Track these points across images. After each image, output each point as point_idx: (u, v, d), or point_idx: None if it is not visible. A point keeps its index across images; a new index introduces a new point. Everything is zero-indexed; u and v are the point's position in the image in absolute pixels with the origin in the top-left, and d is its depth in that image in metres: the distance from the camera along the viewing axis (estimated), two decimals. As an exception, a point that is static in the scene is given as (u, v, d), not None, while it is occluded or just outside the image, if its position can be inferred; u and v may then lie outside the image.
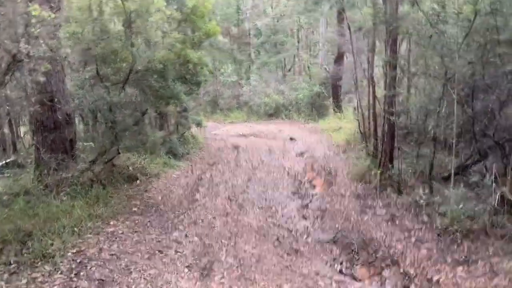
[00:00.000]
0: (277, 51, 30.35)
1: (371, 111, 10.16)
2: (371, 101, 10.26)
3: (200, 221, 7.79)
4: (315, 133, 18.69)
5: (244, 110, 26.94)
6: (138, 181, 9.68)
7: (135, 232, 7.00)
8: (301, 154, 15.39)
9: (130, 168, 9.90)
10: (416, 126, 8.56)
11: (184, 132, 13.81)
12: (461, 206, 6.14)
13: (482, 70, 7.02)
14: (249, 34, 29.42)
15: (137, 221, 7.48)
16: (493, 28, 6.40)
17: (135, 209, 8.15)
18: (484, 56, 6.72)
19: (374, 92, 10.15)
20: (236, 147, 15.80)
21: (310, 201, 10.25)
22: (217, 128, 22.34)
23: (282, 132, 19.66)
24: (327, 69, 21.73)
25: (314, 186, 11.89)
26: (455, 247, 6.01)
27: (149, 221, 7.55)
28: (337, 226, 7.99)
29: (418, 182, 9.05)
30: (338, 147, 14.65)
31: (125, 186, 9.25)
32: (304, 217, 9.06)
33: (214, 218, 8.01)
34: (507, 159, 8.08)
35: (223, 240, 6.97)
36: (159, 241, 6.71)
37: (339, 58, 19.76)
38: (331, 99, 22.38)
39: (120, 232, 6.91)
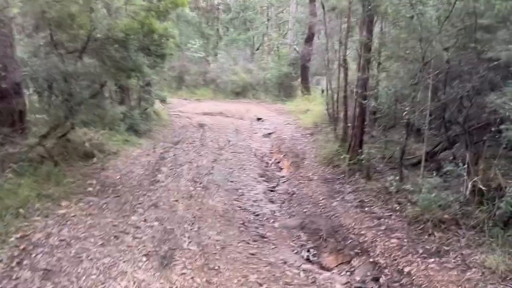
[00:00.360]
0: (246, 28, 29.59)
1: (342, 94, 9.82)
2: (342, 84, 9.91)
3: (161, 204, 7.25)
4: (282, 114, 18.34)
5: (210, 87, 26.18)
6: (95, 159, 8.95)
7: (89, 215, 6.38)
8: (268, 135, 15.03)
9: (87, 144, 9.14)
10: (388, 111, 8.28)
11: (147, 108, 13.03)
12: (434, 195, 5.92)
13: (459, 56, 6.78)
14: (218, 9, 28.41)
15: (92, 203, 6.84)
16: (473, 13, 6.11)
17: (90, 189, 7.49)
18: (462, 41, 6.46)
19: (346, 74, 9.80)
20: (201, 126, 15.21)
21: (277, 184, 9.92)
22: (182, 105, 21.55)
23: (249, 111, 19.17)
24: (297, 49, 21.25)
25: (281, 169, 11.57)
26: (426, 237, 5.79)
27: (105, 203, 6.93)
28: (305, 211, 7.68)
29: (387, 168, 8.87)
30: (306, 129, 14.34)
31: (81, 163, 8.51)
32: (271, 201, 8.71)
33: (176, 201, 7.49)
34: (474, 147, 8.01)
35: (185, 226, 6.48)
36: (115, 226, 6.12)
37: (309, 39, 19.31)
38: (299, 80, 22.01)
39: (72, 215, 6.27)
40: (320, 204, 7.73)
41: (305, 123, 14.94)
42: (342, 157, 9.41)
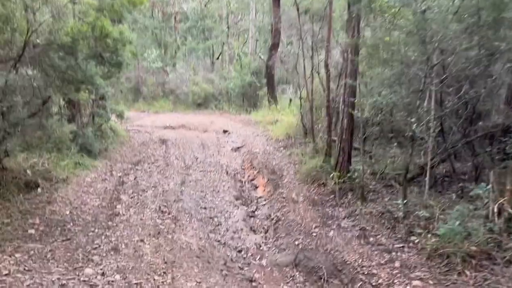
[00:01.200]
0: (205, 37, 28.23)
1: (326, 103, 8.73)
2: (325, 92, 8.82)
3: (123, 246, 5.76)
4: (249, 126, 17.07)
5: (170, 99, 24.57)
6: (39, 189, 7.30)
7: (28, 271, 4.82)
8: (238, 149, 13.71)
9: (28, 172, 7.49)
10: (382, 121, 7.26)
11: (102, 125, 11.36)
12: (458, 223, 4.89)
13: (469, 59, 5.85)
14: (175, 18, 26.91)
15: (32, 252, 5.27)
16: (493, 5, 5.18)
17: (31, 231, 5.89)
18: (477, 39, 5.52)
19: (328, 81, 8.71)
20: (164, 141, 13.67)
21: (256, 208, 8.64)
22: (140, 118, 19.85)
23: (213, 123, 17.78)
24: (262, 57, 20.14)
25: (256, 187, 10.30)
26: (456, 276, 4.72)
27: (50, 251, 5.38)
28: (296, 243, 6.44)
29: (379, 185, 7.83)
30: (278, 141, 13.15)
31: (21, 197, 6.85)
32: (253, 230, 7.42)
33: (142, 240, 6.02)
34: (477, 160, 7.14)
35: (155, 277, 5.05)
36: (63, 286, 4.62)
37: (274, 46, 18.24)
38: (264, 90, 20.89)
39: (4, 272, 4.70)
40: (314, 234, 6.52)
41: (276, 135, 13.74)
42: (329, 174, 8.29)
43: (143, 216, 7.01)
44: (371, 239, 5.98)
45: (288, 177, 9.55)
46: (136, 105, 24.55)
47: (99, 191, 8.04)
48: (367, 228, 6.28)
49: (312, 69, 11.25)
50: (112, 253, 5.52)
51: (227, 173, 10.70)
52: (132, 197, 7.89)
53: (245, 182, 10.56)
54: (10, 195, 6.77)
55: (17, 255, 5.13)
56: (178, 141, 13.73)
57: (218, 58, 28.97)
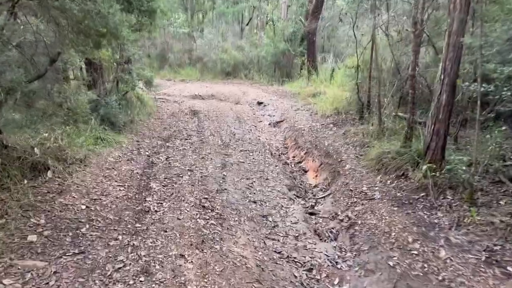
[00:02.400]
0: (234, 1, 25.86)
1: (410, 72, 6.63)
2: (411, 58, 6.70)
3: (156, 265, 4.01)
4: (285, 98, 15.07)
5: (197, 67, 22.65)
6: (48, 174, 5.59)
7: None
8: (277, 123, 11.85)
9: (36, 150, 5.74)
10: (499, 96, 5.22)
11: (127, 92, 9.57)
12: None
13: None
14: (204, -21, 24.62)
15: (29, 276, 3.58)
16: None
17: (33, 237, 4.19)
18: None
19: (418, 44, 6.57)
20: (195, 113, 11.87)
21: (316, 202, 6.82)
22: (167, 87, 18.10)
23: (246, 94, 15.86)
24: (302, 21, 17.79)
25: (305, 171, 8.46)
26: None
27: (54, 273, 3.67)
28: (390, 263, 4.58)
29: (486, 182, 5.83)
30: (325, 117, 11.17)
31: (24, 183, 5.17)
32: (319, 236, 5.61)
33: (181, 256, 4.25)
34: None
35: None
36: None
37: (316, 9, 15.92)
38: (299, 59, 18.69)
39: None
40: (413, 251, 4.63)
41: (322, 109, 11.74)
42: (412, 164, 6.34)
43: (180, 214, 5.23)
44: (508, 268, 4.07)
45: (349, 163, 7.63)
46: (161, 73, 22.85)
47: (124, 175, 6.30)
48: (496, 249, 4.36)
49: (373, 31, 9.08)
50: (141, 278, 3.77)
51: (271, 154, 8.85)
52: (165, 185, 6.12)
53: (290, 164, 8.72)
54: (11, 182, 5.07)
55: (5, 281, 3.44)
56: (210, 113, 11.91)
57: (248, 23, 26.66)
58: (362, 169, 7.24)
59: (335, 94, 12.19)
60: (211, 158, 7.75)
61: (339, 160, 7.92)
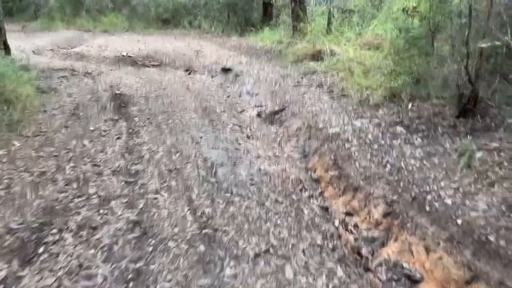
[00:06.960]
0: None
1: None
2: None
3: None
4: (262, 59, 9.07)
5: (123, 13, 15.70)
6: None
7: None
8: (273, 115, 6.10)
9: None
10: None
11: None
12: None
13: None
14: None
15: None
16: None
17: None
18: None
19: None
20: (120, 106, 5.82)
21: None
22: (81, 43, 11.47)
23: (200, 55, 9.68)
24: None
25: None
26: None
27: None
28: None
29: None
30: (371, 108, 5.50)
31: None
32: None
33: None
34: None
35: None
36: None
37: None
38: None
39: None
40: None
41: (354, 88, 5.99)
42: None
43: None
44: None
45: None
46: (78, 21, 15.77)
47: None
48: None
49: None
50: None
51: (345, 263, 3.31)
52: None
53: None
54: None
55: None
56: (151, 104, 5.96)
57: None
58: None
59: (362, 58, 6.54)
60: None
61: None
